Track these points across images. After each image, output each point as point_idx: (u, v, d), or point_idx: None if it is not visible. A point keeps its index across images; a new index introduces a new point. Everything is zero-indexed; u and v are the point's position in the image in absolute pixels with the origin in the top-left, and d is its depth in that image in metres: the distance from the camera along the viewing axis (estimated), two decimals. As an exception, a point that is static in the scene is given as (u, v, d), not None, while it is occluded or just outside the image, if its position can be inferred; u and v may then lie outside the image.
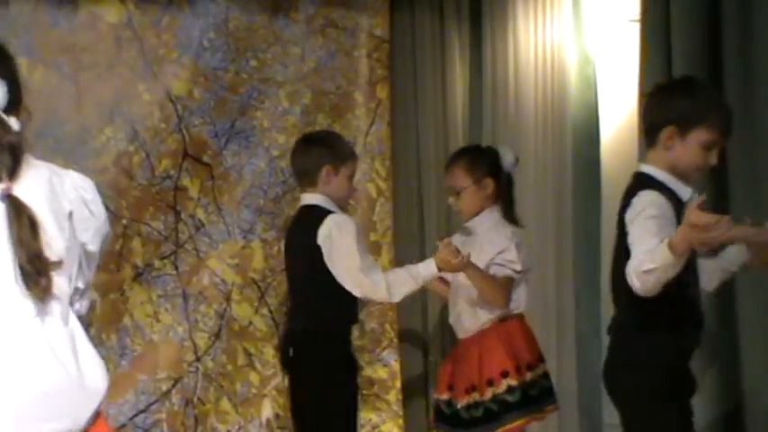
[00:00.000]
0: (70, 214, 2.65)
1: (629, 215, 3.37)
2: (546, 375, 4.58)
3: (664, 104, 3.49)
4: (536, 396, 4.49)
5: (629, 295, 3.35)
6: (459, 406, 4.53)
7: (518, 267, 4.54)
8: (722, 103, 3.56)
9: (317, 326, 4.44)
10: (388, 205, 5.94)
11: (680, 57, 4.45)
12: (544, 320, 5.36)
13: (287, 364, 4.57)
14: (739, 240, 3.27)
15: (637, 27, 4.82)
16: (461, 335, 4.63)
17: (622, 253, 3.40)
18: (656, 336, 3.47)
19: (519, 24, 5.56)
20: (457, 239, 4.64)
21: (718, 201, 4.32)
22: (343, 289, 4.44)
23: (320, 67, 5.85)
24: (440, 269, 4.35)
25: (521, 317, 4.61)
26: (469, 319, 4.58)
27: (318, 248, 4.37)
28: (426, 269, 4.36)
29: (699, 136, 3.45)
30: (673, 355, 3.50)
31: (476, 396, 4.47)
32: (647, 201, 3.36)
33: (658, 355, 3.47)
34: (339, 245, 4.36)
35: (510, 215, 4.63)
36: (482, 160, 4.62)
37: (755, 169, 4.22)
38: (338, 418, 4.43)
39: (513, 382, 4.44)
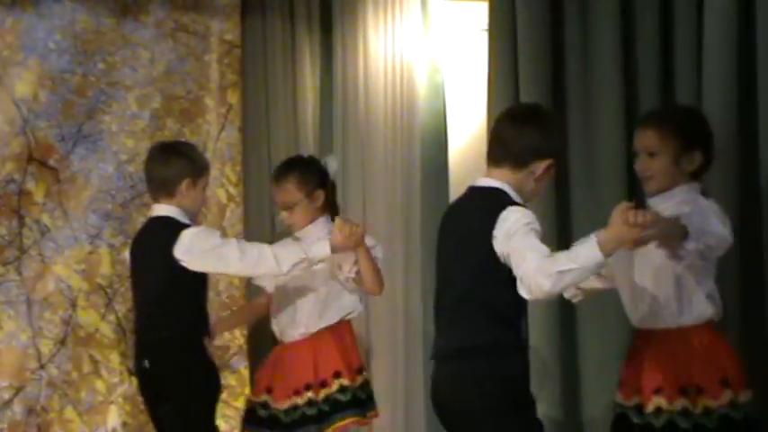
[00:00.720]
0: None
1: (502, 229, 3.36)
2: (369, 382, 4.61)
3: (547, 135, 3.50)
4: (363, 399, 4.52)
5: (486, 311, 3.41)
6: (281, 408, 4.55)
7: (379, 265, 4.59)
8: None
9: (173, 336, 4.42)
10: (239, 211, 5.91)
11: (526, 66, 4.55)
12: (392, 325, 5.42)
13: (142, 375, 4.52)
14: (658, 236, 3.31)
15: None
16: (289, 339, 4.64)
17: (484, 270, 3.41)
18: (513, 350, 3.51)
19: (369, 32, 5.60)
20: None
21: (561, 205, 4.44)
22: (197, 298, 4.45)
23: (170, 71, 5.80)
24: (334, 249, 4.30)
25: (350, 322, 4.65)
26: (304, 324, 4.59)
27: (174, 260, 4.33)
28: (319, 247, 4.32)
29: (553, 170, 3.53)
30: (525, 368, 3.56)
31: (310, 395, 4.49)
32: (524, 214, 3.38)
33: (518, 368, 3.51)
34: (206, 247, 4.34)
35: None
36: (312, 173, 4.63)
37: (593, 174, 4.35)
38: (200, 426, 4.44)
39: (345, 382, 4.48)
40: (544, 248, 3.30)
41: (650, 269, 3.59)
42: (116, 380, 5.56)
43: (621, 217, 3.13)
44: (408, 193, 5.40)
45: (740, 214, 3.96)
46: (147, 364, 4.44)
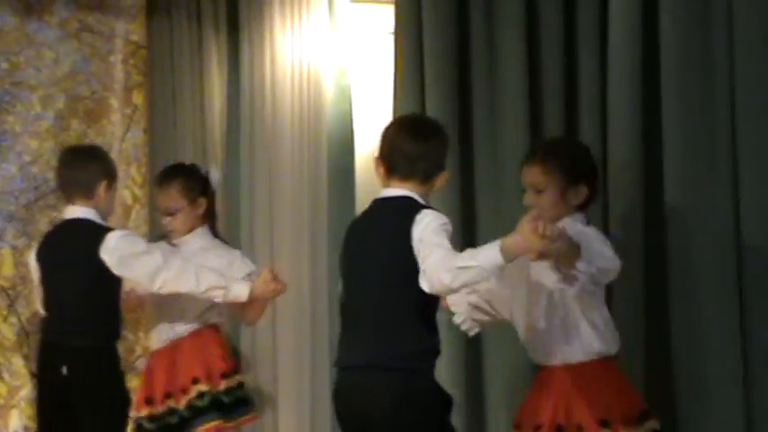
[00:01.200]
0: None
1: (419, 229, 3.39)
2: (240, 386, 4.62)
3: (446, 148, 3.62)
4: (229, 403, 4.53)
5: (410, 315, 3.43)
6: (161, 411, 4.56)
7: None
8: None
9: (96, 345, 4.41)
10: (144, 212, 5.89)
11: (431, 66, 4.58)
12: (299, 328, 5.41)
13: (57, 382, 4.46)
14: (560, 252, 3.32)
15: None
16: (156, 346, 4.64)
17: (405, 273, 3.41)
18: (428, 358, 3.53)
19: (276, 34, 5.59)
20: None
21: (466, 199, 4.48)
22: (117, 304, 4.46)
23: (75, 71, 5.78)
24: (251, 296, 4.31)
25: (216, 327, 4.67)
26: (166, 329, 4.59)
27: (99, 264, 4.30)
28: (240, 288, 4.33)
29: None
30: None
31: (171, 403, 4.50)
32: (438, 216, 3.44)
33: (433, 378, 3.54)
34: (130, 252, 4.33)
35: (217, 233, 4.70)
36: (195, 180, 4.67)
37: (498, 169, 4.40)
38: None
39: (203, 387, 4.49)
40: (450, 247, 3.35)
41: (541, 305, 3.61)
42: (18, 383, 5.50)
43: (530, 226, 3.15)
44: (315, 196, 5.40)
45: (644, 228, 4.02)
46: (65, 371, 4.40)
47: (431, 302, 3.46)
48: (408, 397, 3.43)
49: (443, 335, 3.68)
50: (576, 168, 3.65)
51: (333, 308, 5.22)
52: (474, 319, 3.88)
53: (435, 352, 3.53)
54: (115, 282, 4.41)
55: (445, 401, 3.54)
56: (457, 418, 4.29)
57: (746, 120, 3.74)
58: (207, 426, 4.47)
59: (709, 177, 3.81)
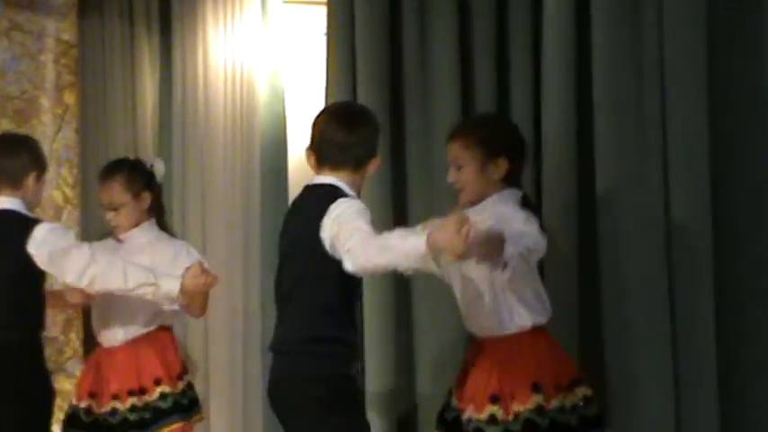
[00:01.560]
0: None
1: (330, 218, 3.40)
2: (191, 386, 4.62)
3: (377, 135, 3.62)
4: (186, 405, 4.54)
5: (310, 306, 3.46)
6: (101, 411, 4.53)
7: None
8: None
9: (22, 339, 4.35)
10: (76, 213, 5.84)
11: (363, 67, 4.60)
12: (231, 327, 5.41)
13: None
14: (482, 252, 3.31)
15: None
16: (109, 344, 4.61)
17: (312, 263, 3.45)
18: (343, 347, 3.54)
19: (209, 34, 5.59)
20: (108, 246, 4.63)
21: (398, 200, 4.51)
22: (40, 296, 4.39)
23: (4, 70, 5.72)
24: (182, 290, 4.21)
25: (170, 328, 4.66)
26: (124, 328, 4.56)
27: (25, 258, 4.25)
28: (170, 283, 4.23)
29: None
30: (354, 365, 3.61)
31: (133, 401, 4.48)
32: (354, 203, 3.45)
33: (345, 366, 3.55)
34: (58, 247, 4.25)
35: (164, 226, 4.67)
36: (139, 174, 4.62)
37: (431, 170, 4.43)
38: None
39: (166, 389, 4.49)
40: (370, 229, 3.34)
41: (473, 286, 3.65)
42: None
43: (455, 227, 3.11)
44: (248, 197, 5.40)
45: (578, 218, 4.08)
46: None
47: (337, 294, 3.48)
48: (306, 383, 3.47)
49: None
50: (495, 142, 3.67)
51: (265, 307, 5.22)
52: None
53: (345, 340, 3.54)
54: (40, 274, 4.36)
55: (349, 397, 3.55)
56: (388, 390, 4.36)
57: (676, 115, 3.82)
58: (171, 427, 4.46)
59: (640, 173, 3.89)
